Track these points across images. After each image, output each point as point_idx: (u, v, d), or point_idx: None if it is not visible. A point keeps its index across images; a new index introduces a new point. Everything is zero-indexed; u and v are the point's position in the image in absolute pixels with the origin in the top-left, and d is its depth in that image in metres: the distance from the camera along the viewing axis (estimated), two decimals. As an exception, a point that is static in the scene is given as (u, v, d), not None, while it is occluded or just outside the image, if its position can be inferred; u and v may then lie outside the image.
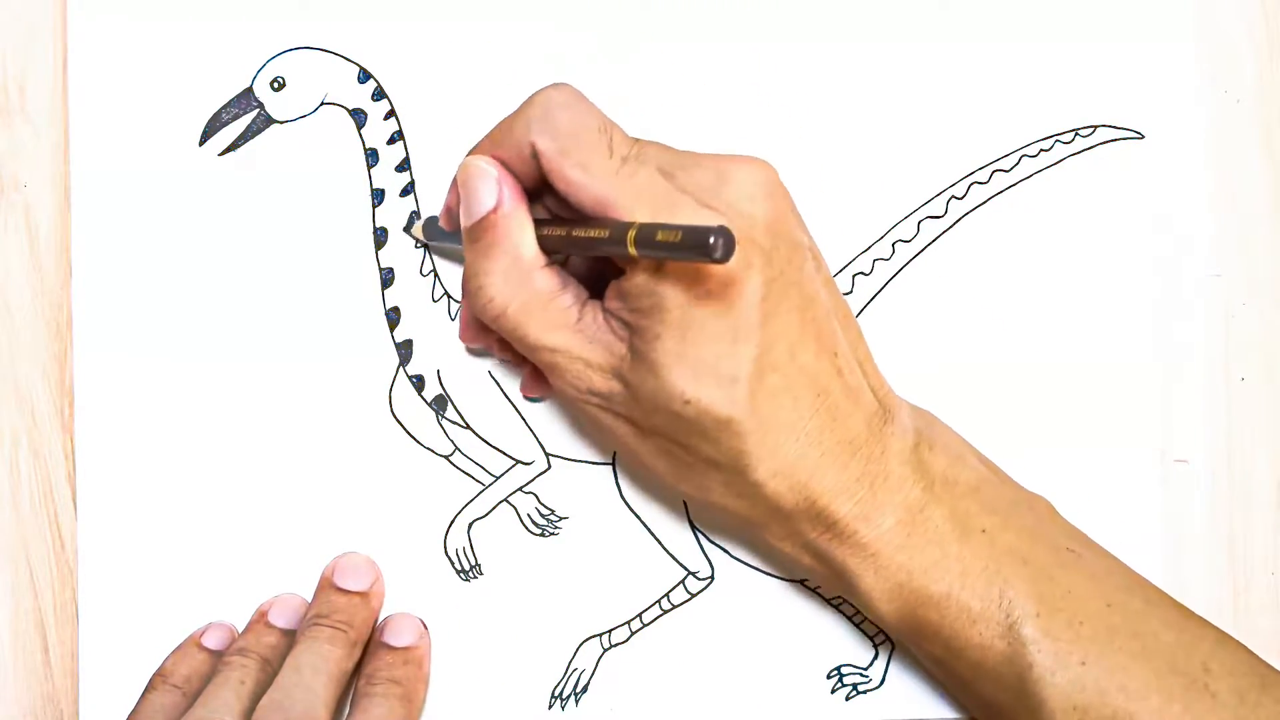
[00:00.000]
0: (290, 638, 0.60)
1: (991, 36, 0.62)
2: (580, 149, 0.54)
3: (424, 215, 0.61)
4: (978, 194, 0.62)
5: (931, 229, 0.62)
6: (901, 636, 0.58)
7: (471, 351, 0.62)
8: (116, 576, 0.61)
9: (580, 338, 0.55)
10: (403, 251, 0.62)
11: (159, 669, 0.59)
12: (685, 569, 0.62)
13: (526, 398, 0.62)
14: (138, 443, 0.61)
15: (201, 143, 0.62)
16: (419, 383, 0.62)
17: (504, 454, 0.62)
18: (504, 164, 0.56)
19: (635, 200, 0.53)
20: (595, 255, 0.54)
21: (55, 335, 0.62)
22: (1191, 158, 0.63)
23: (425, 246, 0.62)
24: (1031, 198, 0.62)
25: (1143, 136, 0.62)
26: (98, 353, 0.61)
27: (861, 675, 0.62)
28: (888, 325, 0.62)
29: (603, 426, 0.57)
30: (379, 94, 0.62)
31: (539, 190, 0.56)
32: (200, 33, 0.62)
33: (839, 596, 0.61)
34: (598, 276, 0.57)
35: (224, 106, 0.62)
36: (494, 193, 0.55)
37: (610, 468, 0.62)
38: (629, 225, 0.51)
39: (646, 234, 0.50)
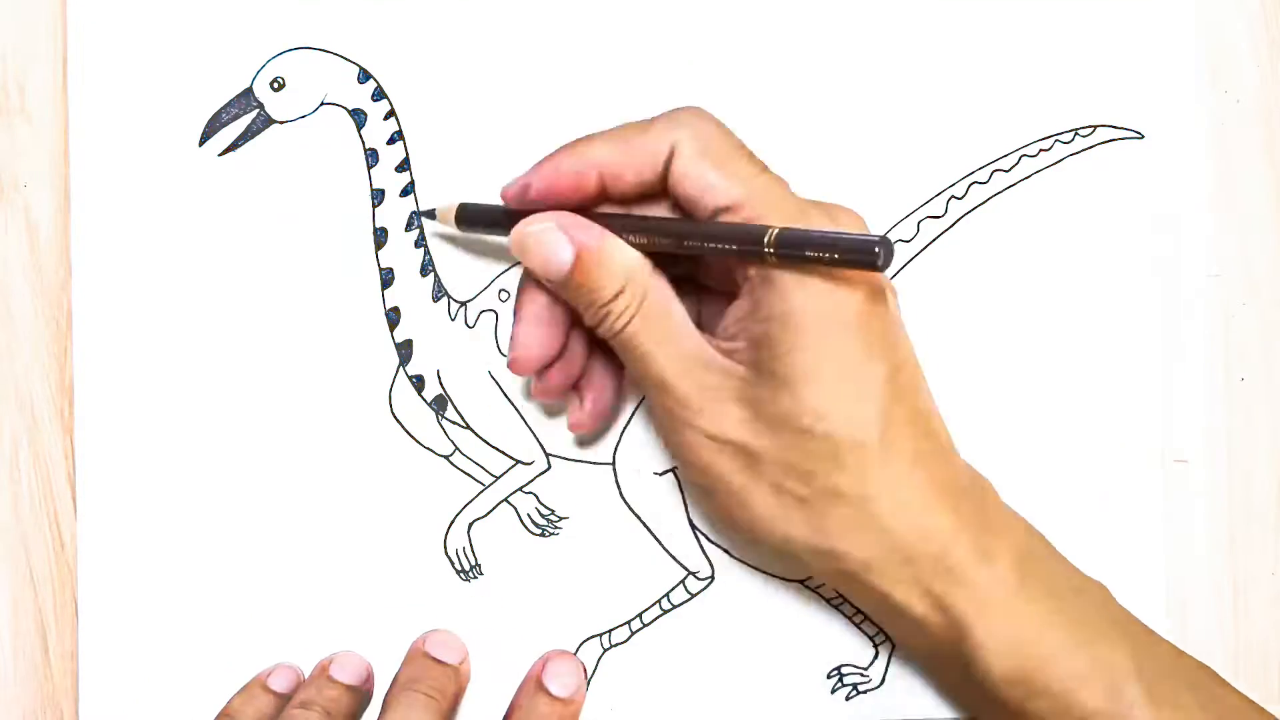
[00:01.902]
0: (352, 694, 0.60)
1: (992, 36, 0.62)
2: (722, 153, 0.54)
3: (448, 204, 0.61)
4: (977, 194, 0.62)
5: (931, 229, 0.62)
6: (1002, 695, 0.55)
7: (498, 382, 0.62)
8: (116, 576, 0.61)
9: (699, 355, 0.54)
10: (403, 251, 0.62)
11: (225, 709, 0.60)
12: (685, 569, 0.62)
13: (575, 433, 0.61)
14: (138, 443, 0.61)
15: (201, 143, 0.62)
16: (419, 383, 0.62)
17: (504, 454, 0.62)
18: (622, 165, 0.55)
19: (770, 208, 0.53)
20: (716, 254, 0.54)
21: (55, 335, 0.62)
22: (1191, 158, 0.63)
23: (422, 236, 0.61)
24: (1031, 198, 0.62)
25: (1142, 136, 0.62)
26: (98, 353, 0.61)
27: (862, 675, 0.62)
28: (888, 325, 0.62)
29: (705, 464, 0.55)
30: (379, 94, 0.62)
31: (637, 198, 0.56)
32: (200, 33, 0.62)
33: (839, 596, 0.61)
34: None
35: (224, 107, 0.62)
36: (566, 244, 0.55)
37: (610, 468, 0.62)
38: (766, 228, 0.51)
39: (794, 237, 0.50)
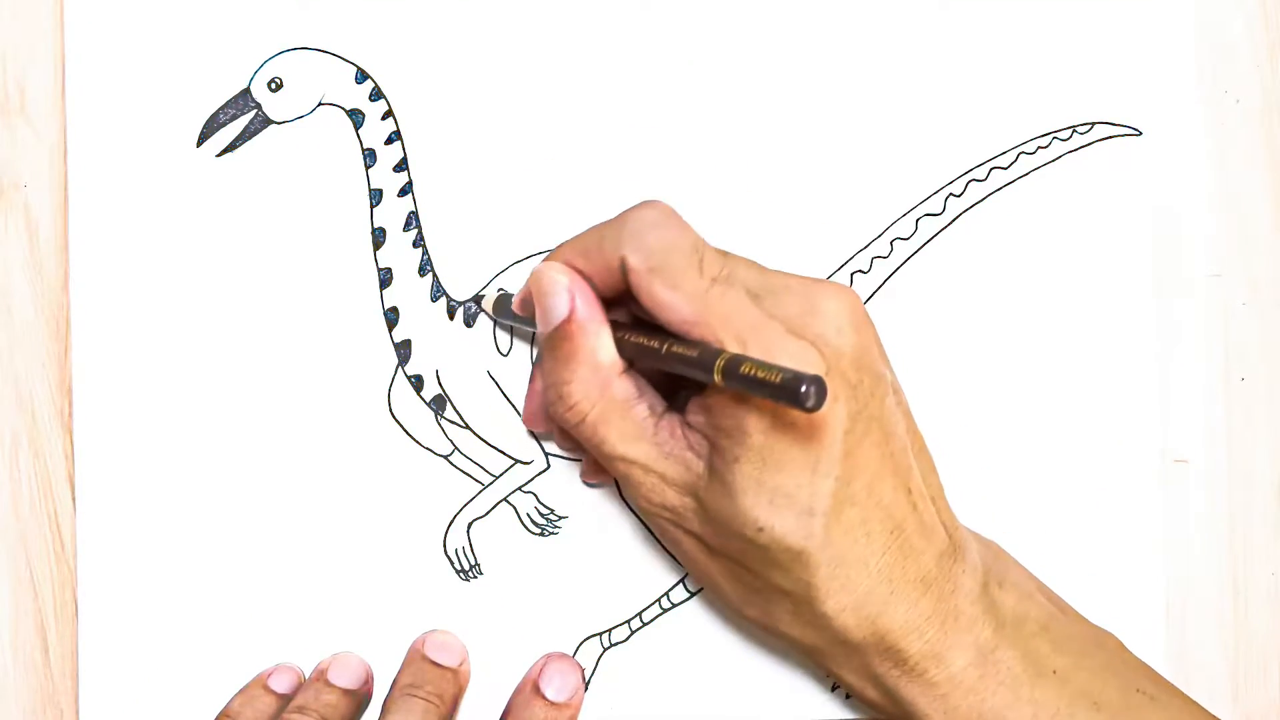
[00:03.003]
0: (350, 698, 0.60)
1: (990, 34, 0.62)
2: (670, 268, 0.53)
3: (493, 293, 0.61)
4: (976, 191, 0.62)
5: (930, 226, 0.62)
6: None
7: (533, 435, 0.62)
8: (116, 576, 0.61)
9: (657, 451, 0.55)
10: (401, 251, 0.62)
11: (225, 709, 0.60)
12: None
13: (586, 483, 0.62)
14: (138, 443, 0.61)
15: (199, 143, 0.62)
16: (418, 383, 0.62)
17: (503, 453, 0.62)
18: (589, 273, 0.55)
19: (724, 324, 0.52)
20: (677, 372, 0.54)
21: (55, 335, 0.62)
22: (1190, 156, 0.63)
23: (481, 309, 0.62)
24: (1030, 195, 0.62)
25: (1140, 133, 0.62)
26: (98, 353, 0.62)
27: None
28: (885, 323, 0.62)
29: (671, 539, 0.57)
30: (376, 94, 0.62)
31: (622, 298, 0.56)
32: (198, 33, 0.62)
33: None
34: (671, 384, 0.57)
35: (221, 107, 0.62)
36: (566, 303, 0.55)
37: (609, 467, 0.62)
38: (718, 353, 0.51)
39: (734, 365, 0.50)
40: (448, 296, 0.62)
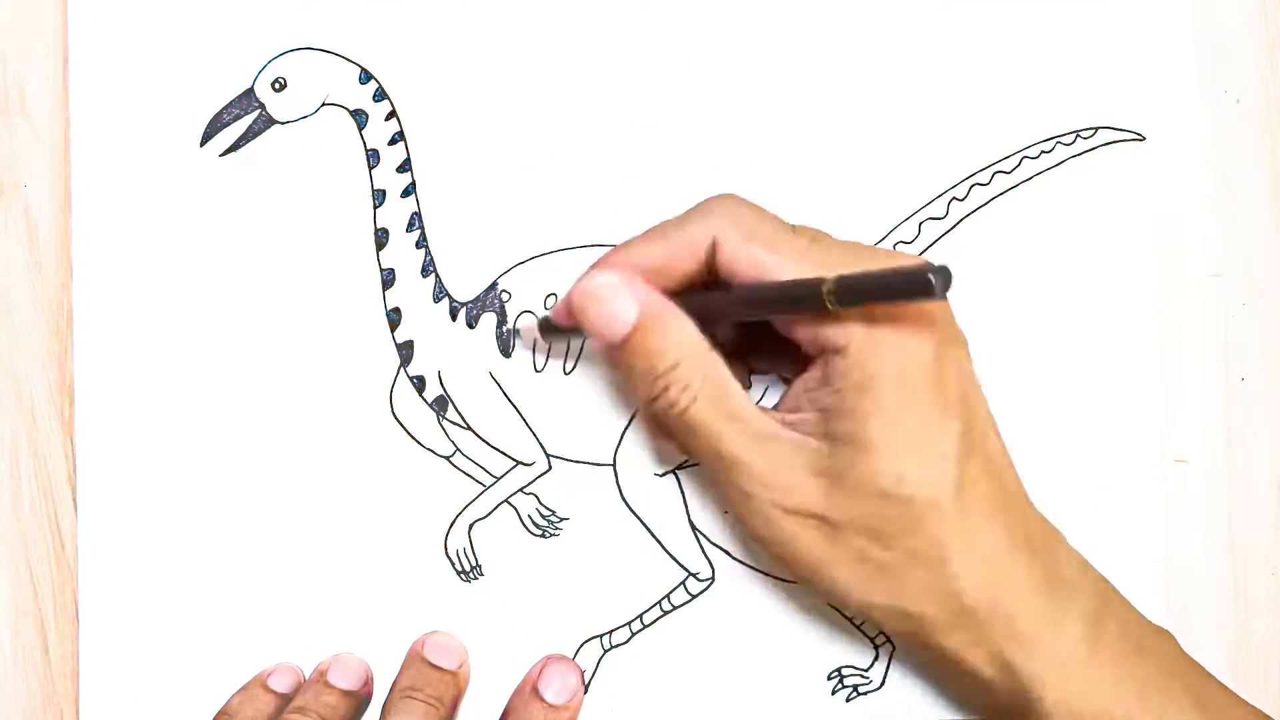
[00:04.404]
0: (349, 699, 0.60)
1: (992, 37, 0.62)
2: (765, 234, 0.54)
3: (524, 324, 0.61)
4: (979, 195, 0.62)
5: (932, 230, 0.62)
6: None
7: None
8: (116, 576, 0.61)
9: (768, 431, 0.54)
10: (404, 252, 0.62)
11: (224, 708, 0.60)
12: (686, 570, 0.62)
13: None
14: (138, 443, 0.61)
15: (202, 144, 0.62)
16: (420, 383, 0.62)
17: (505, 455, 0.62)
18: (665, 261, 0.55)
19: (832, 273, 0.52)
20: (779, 316, 0.54)
21: (55, 335, 0.62)
22: (1192, 158, 0.63)
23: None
24: (1032, 199, 0.62)
25: (1144, 138, 0.62)
26: (98, 353, 0.61)
27: (862, 677, 0.62)
28: (888, 326, 0.62)
29: (786, 536, 0.55)
30: (380, 95, 0.62)
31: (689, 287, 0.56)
32: (201, 33, 0.62)
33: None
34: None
35: (225, 107, 0.62)
36: (630, 302, 0.55)
37: (611, 468, 0.62)
38: (821, 280, 0.51)
39: (850, 282, 0.50)
40: (450, 298, 0.62)
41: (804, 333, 0.54)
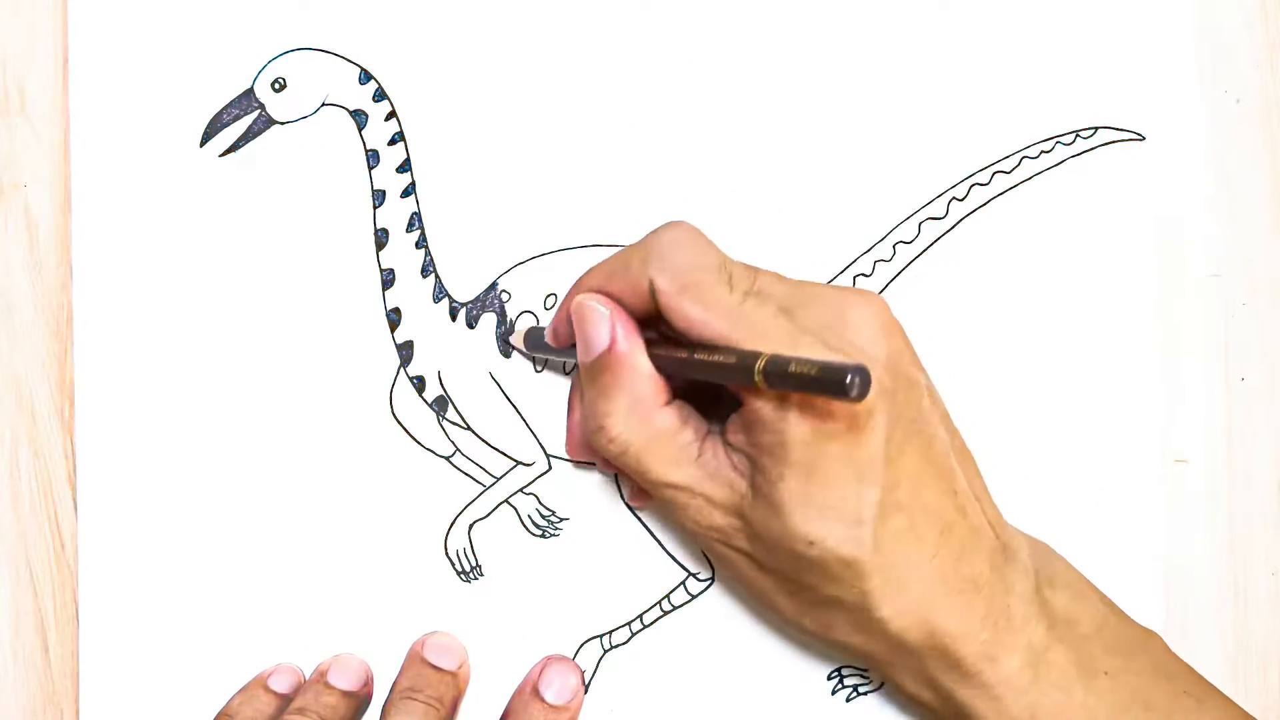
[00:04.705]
0: (349, 700, 0.60)
1: (991, 36, 0.62)
2: (700, 287, 0.54)
3: (523, 326, 0.61)
4: (978, 195, 0.62)
5: (932, 230, 0.62)
6: None
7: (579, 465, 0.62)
8: (116, 576, 0.61)
9: (702, 474, 0.55)
10: (404, 253, 0.62)
11: (224, 709, 0.60)
12: (686, 570, 0.62)
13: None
14: (138, 443, 0.61)
15: (202, 144, 0.62)
16: (419, 384, 0.62)
17: (505, 455, 0.62)
18: (619, 298, 0.55)
19: (759, 338, 0.52)
20: (715, 381, 0.54)
21: (55, 335, 0.62)
22: (1192, 158, 0.63)
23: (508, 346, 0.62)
24: (1032, 199, 0.62)
25: (1143, 138, 0.62)
26: (98, 353, 0.61)
27: (862, 677, 0.62)
28: (888, 326, 0.62)
29: (721, 559, 0.57)
30: (380, 95, 0.62)
31: (652, 319, 0.55)
32: (201, 33, 0.62)
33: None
34: (712, 401, 0.57)
35: (225, 107, 0.61)
36: (606, 334, 0.55)
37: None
38: (757, 355, 0.50)
39: (777, 366, 0.50)
40: (450, 298, 0.62)
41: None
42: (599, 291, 0.56)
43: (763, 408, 0.52)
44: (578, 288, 0.57)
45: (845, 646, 0.56)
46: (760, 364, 0.50)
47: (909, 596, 0.53)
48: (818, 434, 0.52)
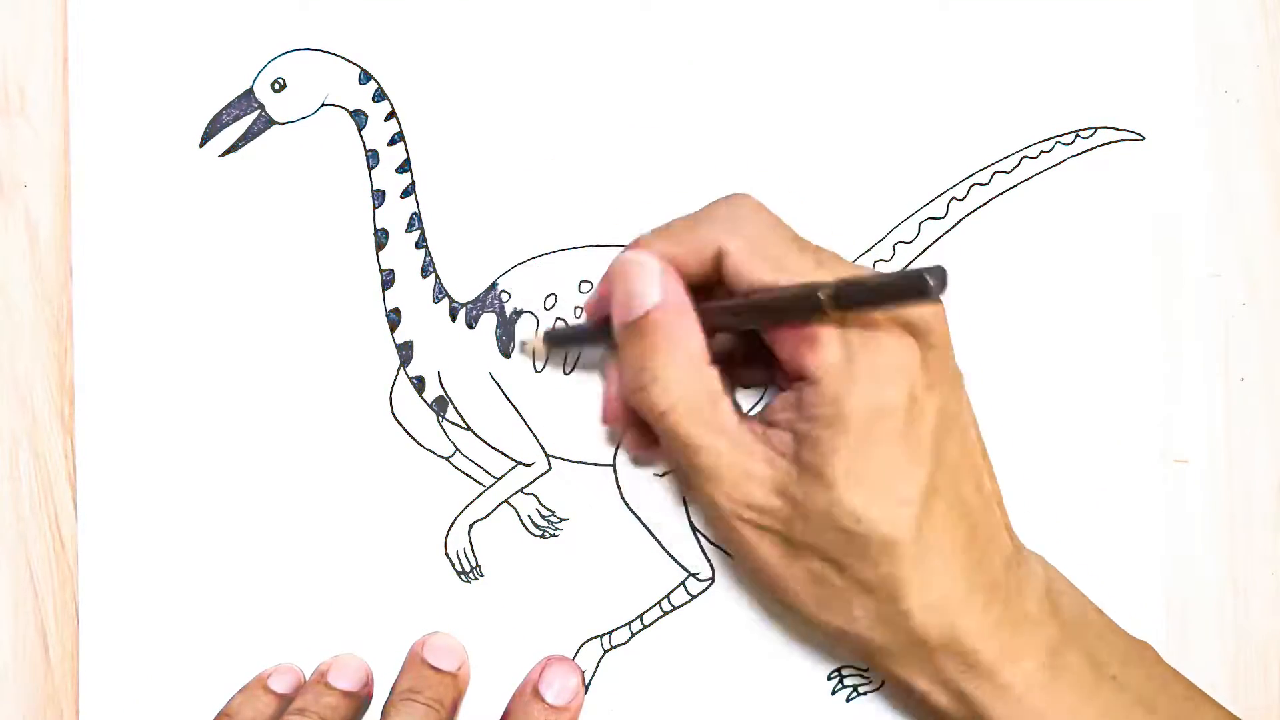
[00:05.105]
0: (350, 700, 0.60)
1: (991, 36, 0.62)
2: (773, 251, 0.54)
3: (526, 328, 0.61)
4: (978, 195, 0.62)
5: (932, 230, 0.62)
6: None
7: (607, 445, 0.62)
8: (116, 576, 0.61)
9: (743, 446, 0.55)
10: (403, 253, 0.62)
11: (225, 709, 0.60)
12: (686, 570, 0.62)
13: (633, 456, 0.62)
14: (138, 443, 0.61)
15: (202, 144, 0.62)
16: (419, 384, 0.62)
17: (504, 455, 0.62)
18: (677, 262, 0.55)
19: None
20: (778, 322, 0.54)
21: (55, 335, 0.62)
22: (1191, 158, 0.63)
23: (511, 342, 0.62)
24: (1032, 199, 0.62)
25: (1143, 138, 0.62)
26: (98, 353, 0.61)
27: (862, 677, 0.62)
28: (888, 326, 0.62)
29: (747, 544, 0.56)
30: (380, 95, 0.62)
31: (701, 289, 0.56)
32: (201, 34, 0.62)
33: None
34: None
35: (224, 108, 0.62)
36: (658, 288, 0.55)
37: (611, 469, 0.62)
38: (820, 285, 0.50)
39: (848, 287, 0.50)
40: (450, 298, 0.62)
41: (786, 354, 0.54)
42: (659, 256, 0.56)
43: (826, 375, 0.52)
44: (634, 247, 0.57)
45: (862, 642, 0.56)
46: (828, 291, 0.50)
47: (936, 589, 0.54)
48: (876, 410, 0.52)
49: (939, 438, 0.53)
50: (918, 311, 0.53)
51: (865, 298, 0.50)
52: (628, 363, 0.56)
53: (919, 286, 0.47)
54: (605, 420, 0.61)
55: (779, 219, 0.55)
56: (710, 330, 0.55)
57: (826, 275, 0.53)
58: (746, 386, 0.61)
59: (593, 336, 0.60)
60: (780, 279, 0.53)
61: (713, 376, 0.55)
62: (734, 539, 0.57)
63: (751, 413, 0.59)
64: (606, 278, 0.58)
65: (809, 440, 0.53)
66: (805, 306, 0.52)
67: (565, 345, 0.61)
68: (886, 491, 0.52)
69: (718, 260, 0.55)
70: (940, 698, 0.56)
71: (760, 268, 0.54)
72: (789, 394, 0.54)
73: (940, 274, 0.47)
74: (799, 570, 0.56)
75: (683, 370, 0.54)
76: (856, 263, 0.60)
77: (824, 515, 0.53)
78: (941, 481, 0.53)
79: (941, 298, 0.48)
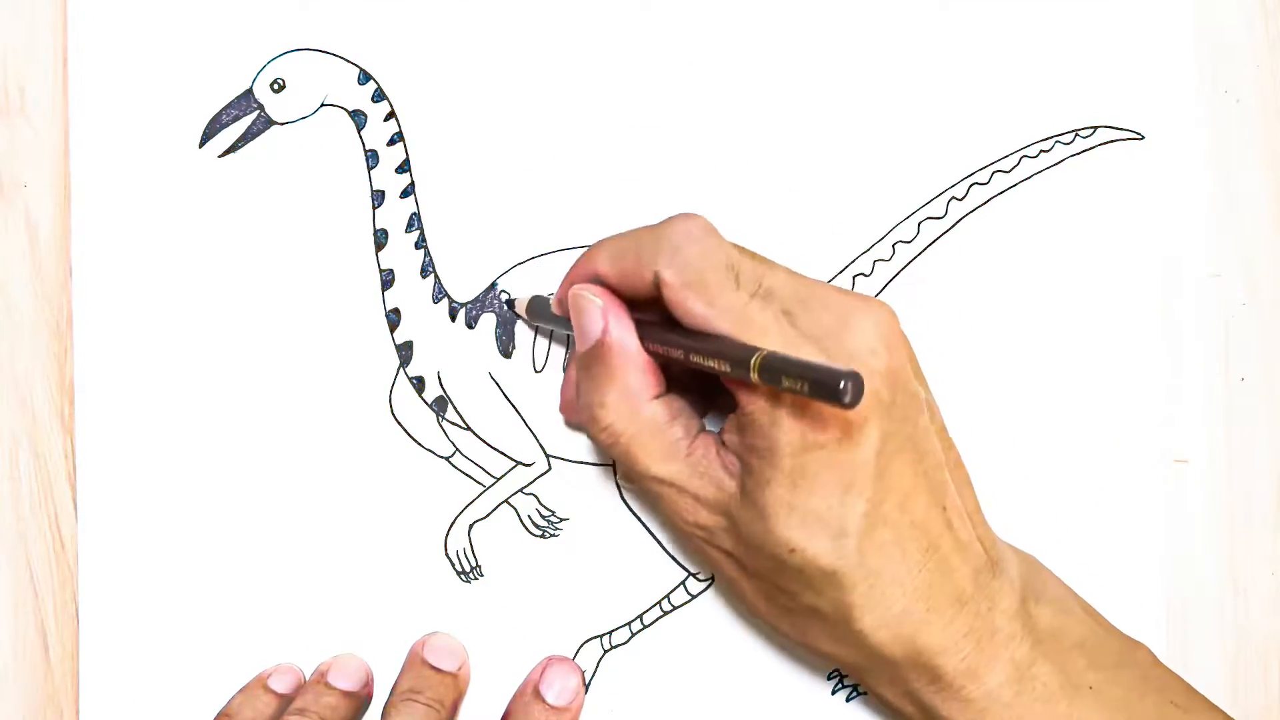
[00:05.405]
0: (350, 700, 0.60)
1: (992, 37, 0.62)
2: (706, 284, 0.53)
3: (526, 295, 0.61)
4: (978, 195, 0.62)
5: (931, 230, 0.62)
6: None
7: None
8: (116, 576, 0.61)
9: (690, 470, 0.55)
10: (403, 253, 0.62)
11: (225, 709, 0.60)
12: (686, 570, 0.62)
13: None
14: (138, 443, 0.61)
15: (201, 144, 0.62)
16: (419, 384, 0.62)
17: (504, 455, 0.62)
18: (621, 280, 0.55)
19: (759, 340, 0.52)
20: (712, 373, 0.53)
21: (55, 335, 0.62)
22: (1191, 158, 0.63)
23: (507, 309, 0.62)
24: (1031, 199, 0.62)
25: (1143, 137, 0.62)
26: (98, 353, 0.61)
27: (862, 676, 0.62)
28: (888, 326, 0.62)
29: (705, 557, 0.57)
30: (379, 95, 0.62)
31: (654, 302, 0.55)
32: (200, 34, 0.62)
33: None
34: (708, 397, 0.57)
35: (224, 108, 0.62)
36: (599, 324, 0.55)
37: (610, 469, 0.62)
38: (754, 350, 0.50)
39: (774, 363, 0.49)
40: (449, 298, 0.62)
41: (728, 382, 0.54)
42: (603, 273, 0.56)
43: (756, 409, 0.52)
44: (582, 263, 0.57)
45: (823, 654, 0.56)
46: (757, 360, 0.50)
47: (890, 610, 0.53)
48: (809, 441, 0.51)
49: (884, 464, 0.52)
50: (858, 342, 0.52)
51: (786, 385, 0.49)
52: (581, 393, 0.56)
53: (834, 391, 0.47)
54: (562, 410, 0.61)
55: (720, 245, 0.54)
56: (661, 364, 0.55)
57: (757, 316, 0.52)
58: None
59: (565, 323, 0.59)
60: (708, 314, 0.53)
61: (656, 407, 0.55)
62: (692, 551, 0.58)
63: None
64: (567, 282, 0.58)
65: (747, 469, 0.53)
66: (736, 369, 0.51)
67: (544, 322, 0.60)
68: (822, 524, 0.52)
69: (657, 285, 0.54)
70: (908, 709, 0.56)
71: (689, 301, 0.53)
72: (734, 418, 0.54)
73: (857, 381, 0.46)
74: (753, 586, 0.56)
75: (623, 404, 0.55)
76: (820, 279, 0.58)
77: (761, 544, 0.53)
78: (888, 509, 0.53)
79: (852, 405, 0.47)
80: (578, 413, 0.57)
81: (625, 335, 0.55)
